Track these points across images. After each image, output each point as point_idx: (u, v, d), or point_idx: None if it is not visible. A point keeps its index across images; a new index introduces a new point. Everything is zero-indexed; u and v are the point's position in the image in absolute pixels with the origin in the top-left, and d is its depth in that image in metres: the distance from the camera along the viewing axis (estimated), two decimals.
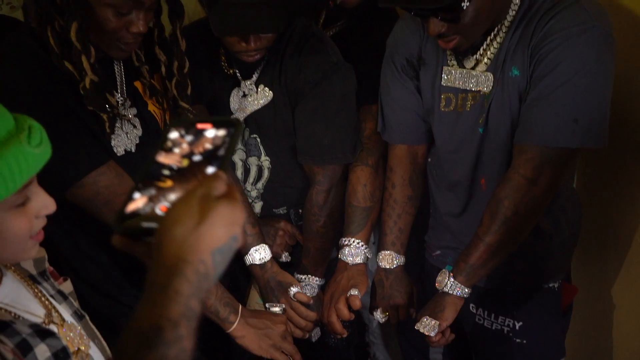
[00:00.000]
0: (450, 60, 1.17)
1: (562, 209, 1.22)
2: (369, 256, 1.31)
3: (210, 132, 0.56)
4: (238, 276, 1.38)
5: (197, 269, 0.49)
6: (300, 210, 1.38)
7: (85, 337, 0.79)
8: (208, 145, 0.56)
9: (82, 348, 0.78)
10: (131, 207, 0.52)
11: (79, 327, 0.80)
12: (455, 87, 1.16)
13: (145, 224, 0.51)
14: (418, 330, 1.13)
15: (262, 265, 1.27)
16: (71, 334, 0.77)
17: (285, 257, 1.38)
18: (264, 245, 1.27)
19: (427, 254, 1.41)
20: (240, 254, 1.28)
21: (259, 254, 1.26)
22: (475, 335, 1.32)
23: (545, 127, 1.03)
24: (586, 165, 1.46)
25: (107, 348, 0.86)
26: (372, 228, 1.32)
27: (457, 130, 1.19)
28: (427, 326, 1.12)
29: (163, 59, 1.13)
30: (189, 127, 0.57)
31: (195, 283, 0.49)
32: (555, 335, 1.30)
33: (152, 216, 0.51)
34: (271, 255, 1.28)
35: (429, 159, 1.32)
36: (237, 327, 1.16)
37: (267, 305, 1.27)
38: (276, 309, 1.25)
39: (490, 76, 1.11)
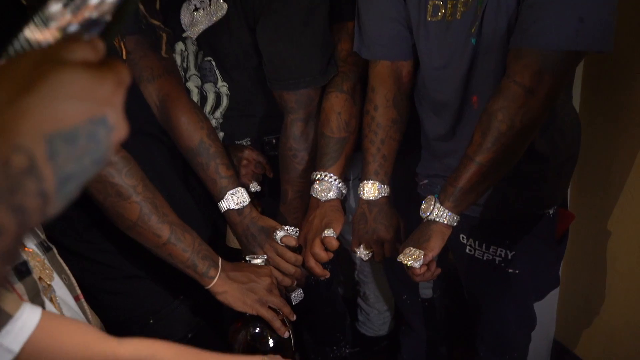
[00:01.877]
0: None
1: (558, 128, 1.11)
2: (343, 192, 1.19)
3: None
4: (216, 220, 1.26)
5: (6, 160, 0.32)
6: (267, 139, 1.26)
7: (49, 268, 0.74)
8: (91, 14, 0.42)
9: (44, 277, 0.73)
10: None
11: (43, 257, 0.74)
12: None
13: None
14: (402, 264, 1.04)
15: (240, 211, 1.14)
16: (32, 261, 0.72)
17: (254, 187, 1.25)
18: (241, 188, 1.15)
19: (417, 186, 1.30)
20: (214, 200, 1.15)
21: (236, 198, 1.13)
22: (466, 267, 1.24)
23: (546, 27, 0.90)
24: (588, 82, 1.35)
25: (76, 286, 0.81)
26: (347, 161, 1.20)
27: (446, 42, 1.06)
28: (411, 257, 1.02)
29: None
30: None
31: (2, 181, 0.32)
32: (550, 264, 1.22)
33: None
34: (250, 200, 1.15)
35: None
36: (218, 283, 1.04)
37: (247, 257, 1.14)
38: (258, 261, 1.11)
39: None
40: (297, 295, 1.21)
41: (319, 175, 1.17)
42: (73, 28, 0.40)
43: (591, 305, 1.55)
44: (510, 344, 1.33)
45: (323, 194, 1.16)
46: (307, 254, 1.15)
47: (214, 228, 1.23)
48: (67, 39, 0.37)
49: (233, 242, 1.24)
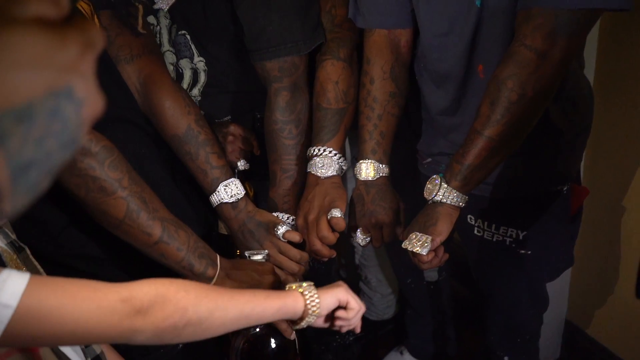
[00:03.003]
0: None
1: (570, 97, 1.02)
2: (344, 167, 1.09)
3: None
4: (206, 213, 1.16)
5: None
6: (258, 115, 1.17)
7: (22, 268, 0.67)
8: None
9: None
10: None
11: (15, 256, 0.68)
12: None
13: None
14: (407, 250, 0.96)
15: (235, 204, 1.03)
16: (6, 255, 0.66)
17: (242, 164, 1.15)
18: (235, 179, 1.04)
19: (419, 165, 1.22)
20: (205, 194, 1.05)
21: (230, 190, 1.03)
22: (475, 250, 1.16)
23: None
24: (603, 46, 1.26)
25: None
26: (346, 135, 1.10)
27: (448, 6, 0.97)
28: (417, 243, 0.94)
29: None
30: None
31: None
32: (563, 243, 1.14)
33: None
34: (244, 192, 1.05)
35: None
36: (217, 283, 0.94)
37: (247, 253, 1.03)
38: (259, 257, 1.01)
39: None
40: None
41: (316, 151, 1.07)
42: None
43: (605, 283, 1.48)
44: (522, 326, 1.27)
45: (323, 170, 1.06)
46: (311, 237, 1.04)
47: (206, 221, 1.14)
48: None
49: (226, 229, 1.16)
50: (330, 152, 1.07)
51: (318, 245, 1.04)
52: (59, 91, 0.27)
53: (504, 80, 0.87)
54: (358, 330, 0.84)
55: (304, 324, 0.77)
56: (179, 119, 1.02)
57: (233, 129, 1.15)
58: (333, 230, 1.05)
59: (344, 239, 1.56)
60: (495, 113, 0.88)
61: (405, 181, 1.18)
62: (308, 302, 0.75)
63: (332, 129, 1.07)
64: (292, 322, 0.78)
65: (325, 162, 1.06)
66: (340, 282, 0.82)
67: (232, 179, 1.04)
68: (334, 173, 1.07)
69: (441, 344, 1.67)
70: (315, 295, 0.76)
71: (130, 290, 0.60)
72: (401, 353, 1.68)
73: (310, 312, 0.75)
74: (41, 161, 0.27)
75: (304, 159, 1.10)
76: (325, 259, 1.08)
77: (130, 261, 0.94)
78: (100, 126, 0.87)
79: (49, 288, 0.55)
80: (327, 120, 1.07)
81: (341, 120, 1.07)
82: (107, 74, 0.99)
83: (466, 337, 1.73)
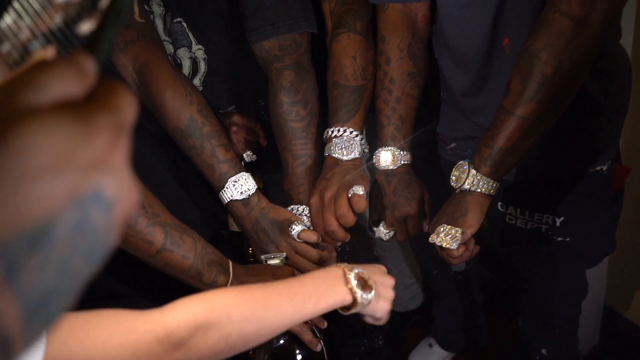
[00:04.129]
0: None
1: (608, 68, 0.93)
2: (365, 150, 0.99)
3: None
4: (216, 211, 1.08)
5: None
6: (262, 102, 1.09)
7: None
8: (56, 20, 0.27)
9: None
10: None
11: None
12: None
13: None
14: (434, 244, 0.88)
15: (246, 201, 0.93)
16: None
17: (248, 156, 1.06)
18: (244, 174, 0.94)
19: (440, 149, 1.13)
20: (214, 190, 0.96)
21: (240, 186, 0.93)
22: (506, 239, 1.08)
23: None
24: None
25: None
26: (366, 114, 1.00)
27: None
28: (446, 237, 0.86)
29: None
30: None
31: None
32: (605, 227, 1.05)
33: None
34: (257, 187, 0.95)
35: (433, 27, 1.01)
36: None
37: (263, 257, 0.94)
38: (276, 261, 0.92)
39: None
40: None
41: (335, 132, 0.96)
42: (35, 45, 0.25)
43: None
44: (560, 317, 1.18)
45: (344, 152, 0.95)
46: (327, 215, 0.93)
47: (215, 221, 1.07)
48: (31, 66, 0.22)
49: (238, 226, 1.08)
50: (351, 132, 0.96)
51: (334, 225, 0.92)
52: (85, 198, 0.21)
53: (536, 52, 0.78)
54: (385, 321, 0.79)
55: (355, 310, 0.71)
56: (180, 110, 0.93)
57: (237, 118, 1.06)
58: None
59: (358, 230, 1.47)
60: (527, 89, 0.79)
61: (423, 168, 1.09)
62: (357, 295, 0.68)
63: (352, 107, 0.97)
64: (341, 309, 0.71)
65: (346, 144, 0.96)
66: (380, 266, 0.76)
67: (241, 174, 0.94)
68: (357, 155, 0.96)
69: (472, 334, 1.60)
70: (366, 275, 0.70)
71: (167, 325, 0.54)
72: (430, 345, 1.61)
73: (360, 301, 0.69)
74: (63, 288, 0.21)
75: (317, 143, 1.00)
76: (339, 244, 0.98)
77: (124, 269, 0.87)
78: None
79: (74, 337, 0.49)
80: (345, 98, 0.96)
81: (361, 99, 0.97)
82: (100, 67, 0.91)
83: (497, 325, 1.65)
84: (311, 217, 0.95)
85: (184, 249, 0.83)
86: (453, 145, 1.07)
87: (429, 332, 1.64)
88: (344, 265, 0.70)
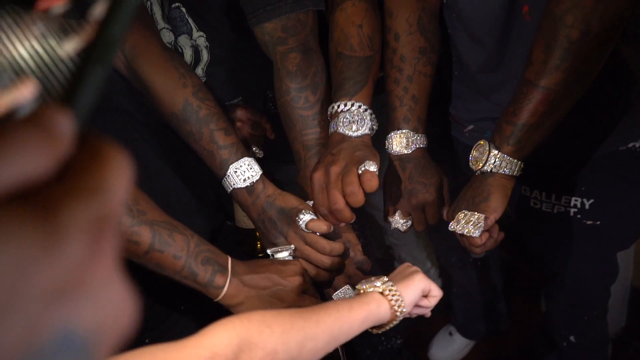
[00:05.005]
0: None
1: (638, 33, 0.84)
2: (375, 127, 0.89)
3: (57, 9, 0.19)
4: (220, 199, 1.01)
5: None
6: (270, 94, 1.01)
7: None
8: (32, 44, 0.19)
9: None
10: None
11: None
12: None
13: None
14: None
15: (251, 189, 0.86)
16: None
17: (255, 153, 0.99)
18: (247, 158, 0.86)
19: (455, 132, 1.05)
20: (216, 178, 0.88)
21: (243, 173, 0.85)
22: (532, 224, 1.01)
23: None
24: None
25: None
26: (373, 90, 0.91)
27: None
28: (468, 224, 0.79)
29: None
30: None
31: None
32: (638, 208, 0.97)
33: None
34: (261, 172, 0.87)
35: None
36: (230, 292, 0.77)
37: (269, 251, 0.86)
38: (284, 254, 0.84)
39: None
40: (342, 293, 0.86)
41: (342, 106, 0.86)
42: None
43: None
44: (589, 303, 1.12)
45: (352, 128, 0.85)
46: (333, 192, 0.81)
47: (218, 212, 1.00)
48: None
49: (244, 222, 1.02)
50: (359, 106, 0.86)
51: (341, 203, 0.80)
52: (46, 344, 0.14)
53: (561, 15, 0.70)
54: (429, 314, 0.79)
55: (388, 327, 0.71)
56: (173, 94, 0.85)
57: (239, 113, 0.99)
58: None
59: (365, 217, 1.40)
60: (552, 57, 0.71)
61: (437, 152, 1.01)
62: (392, 302, 0.68)
63: (359, 79, 0.88)
64: (377, 326, 0.71)
65: (355, 118, 0.86)
66: (415, 268, 0.75)
67: (243, 159, 0.86)
68: (366, 131, 0.86)
69: (493, 321, 1.53)
70: (397, 293, 0.69)
71: (211, 347, 0.53)
72: (450, 334, 1.56)
73: (397, 313, 0.69)
74: None
75: (326, 130, 0.91)
76: (343, 224, 0.87)
77: (125, 263, 0.81)
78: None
79: None
80: (352, 69, 0.88)
81: (368, 70, 0.88)
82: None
83: (519, 311, 1.59)
84: (314, 194, 0.85)
85: (174, 248, 0.76)
86: (470, 127, 1.00)
87: (448, 319, 1.58)
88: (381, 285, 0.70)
